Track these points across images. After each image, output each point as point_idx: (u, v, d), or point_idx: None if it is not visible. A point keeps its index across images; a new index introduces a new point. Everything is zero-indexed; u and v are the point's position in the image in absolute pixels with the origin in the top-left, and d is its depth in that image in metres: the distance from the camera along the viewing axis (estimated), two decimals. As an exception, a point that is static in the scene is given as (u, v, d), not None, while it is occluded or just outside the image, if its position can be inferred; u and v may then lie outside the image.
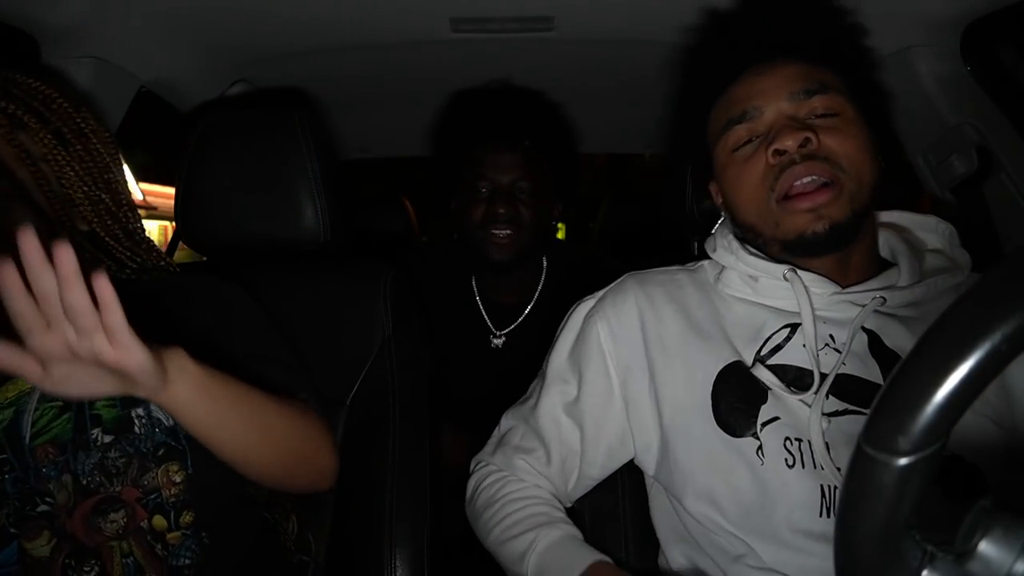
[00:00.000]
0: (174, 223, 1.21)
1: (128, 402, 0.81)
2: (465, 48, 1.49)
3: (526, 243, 1.48)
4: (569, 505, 0.93)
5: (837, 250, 0.79)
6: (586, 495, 0.95)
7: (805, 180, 0.76)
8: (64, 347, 0.59)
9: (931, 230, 0.89)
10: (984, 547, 0.36)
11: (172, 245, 2.17)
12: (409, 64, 1.61)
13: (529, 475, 0.90)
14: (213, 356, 0.84)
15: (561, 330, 0.95)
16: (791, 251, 0.81)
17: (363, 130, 2.18)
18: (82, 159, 0.88)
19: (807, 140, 0.76)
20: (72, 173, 0.87)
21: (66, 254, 0.56)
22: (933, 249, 0.88)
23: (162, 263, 0.96)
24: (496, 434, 0.98)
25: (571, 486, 0.90)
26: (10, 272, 0.57)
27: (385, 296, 1.14)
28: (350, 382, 1.11)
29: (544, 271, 1.61)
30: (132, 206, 0.95)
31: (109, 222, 0.90)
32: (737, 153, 0.83)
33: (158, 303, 0.88)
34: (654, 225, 2.53)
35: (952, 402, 0.34)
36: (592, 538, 0.92)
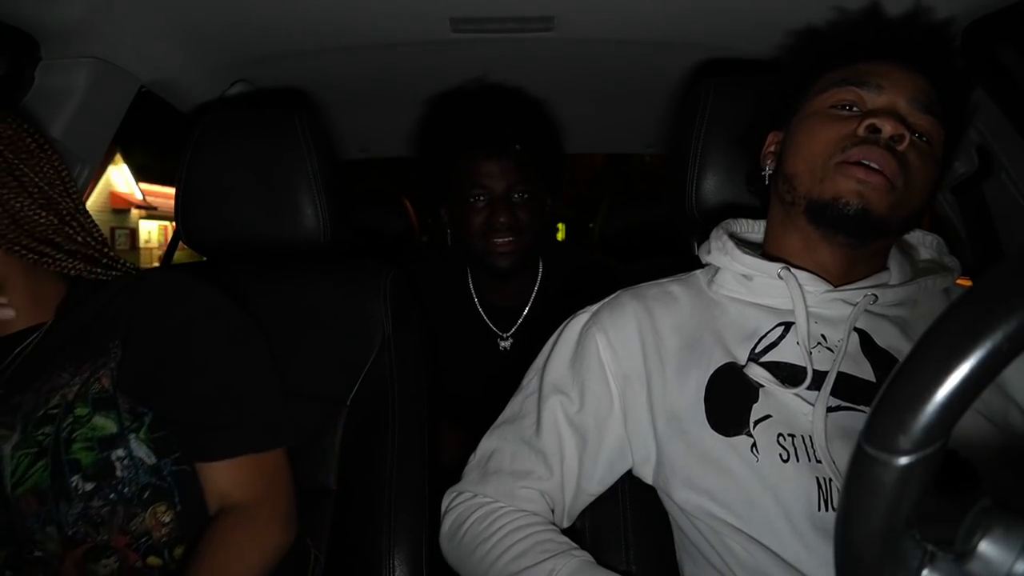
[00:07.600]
0: (174, 223, 1.21)
1: (106, 444, 0.80)
2: (465, 48, 1.49)
3: (528, 246, 1.48)
4: (569, 524, 0.90)
5: (854, 235, 0.79)
6: (587, 513, 0.93)
7: (873, 164, 0.77)
8: None
9: (918, 242, 0.91)
10: (984, 547, 0.36)
11: (172, 245, 2.17)
12: (409, 64, 1.61)
13: (529, 503, 0.86)
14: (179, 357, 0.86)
15: (554, 343, 0.94)
16: (814, 216, 0.80)
17: (363, 130, 2.18)
18: (23, 184, 0.85)
19: (901, 137, 0.77)
20: (14, 200, 0.84)
21: None
22: (924, 258, 0.90)
23: (121, 262, 0.94)
24: (475, 460, 0.93)
25: (569, 499, 0.88)
26: None
27: (385, 296, 1.14)
28: (350, 382, 1.11)
29: (540, 270, 1.60)
30: (84, 211, 0.93)
31: (68, 230, 0.89)
32: (833, 110, 0.83)
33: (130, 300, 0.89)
34: (654, 225, 2.53)
35: (954, 401, 0.34)
36: (594, 556, 0.91)
